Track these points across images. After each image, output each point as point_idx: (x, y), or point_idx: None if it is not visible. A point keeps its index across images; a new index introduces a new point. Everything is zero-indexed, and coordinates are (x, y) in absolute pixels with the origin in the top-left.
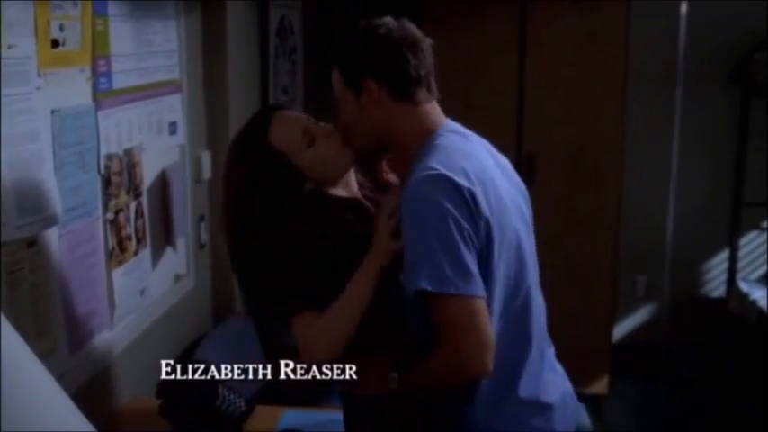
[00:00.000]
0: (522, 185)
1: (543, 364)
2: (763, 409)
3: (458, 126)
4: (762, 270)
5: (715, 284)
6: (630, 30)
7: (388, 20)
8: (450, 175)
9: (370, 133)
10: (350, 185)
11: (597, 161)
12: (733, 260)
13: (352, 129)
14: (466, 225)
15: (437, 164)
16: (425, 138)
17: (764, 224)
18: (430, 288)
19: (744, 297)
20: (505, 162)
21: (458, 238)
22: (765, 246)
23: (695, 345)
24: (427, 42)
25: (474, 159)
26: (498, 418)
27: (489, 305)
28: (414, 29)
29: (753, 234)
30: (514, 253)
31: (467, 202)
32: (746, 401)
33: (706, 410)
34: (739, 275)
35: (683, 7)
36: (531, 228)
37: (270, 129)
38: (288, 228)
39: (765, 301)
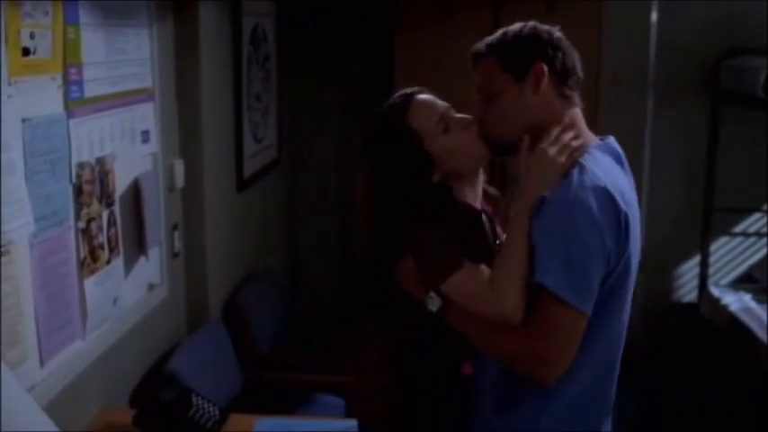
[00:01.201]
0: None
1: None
2: (733, 412)
3: (613, 143)
4: (733, 275)
5: (687, 290)
6: (602, 37)
7: (538, 24)
8: (614, 193)
9: (522, 122)
10: (476, 189)
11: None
12: (704, 265)
13: (503, 117)
14: (610, 245)
15: (601, 176)
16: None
17: (735, 230)
18: (552, 288)
19: (715, 302)
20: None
21: (598, 254)
22: (736, 251)
23: (667, 349)
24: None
25: (624, 184)
26: None
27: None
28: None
29: (723, 240)
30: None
31: (620, 225)
32: (717, 405)
33: (678, 415)
34: (711, 281)
35: (654, 15)
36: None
37: (408, 111)
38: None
39: (736, 306)
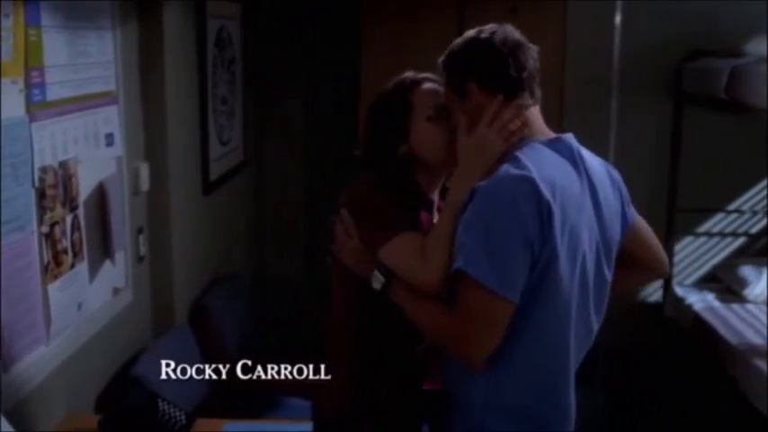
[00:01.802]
0: (613, 222)
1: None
2: (698, 412)
3: (570, 139)
4: (696, 275)
5: (652, 290)
6: (567, 40)
7: (492, 26)
8: (539, 183)
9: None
10: (433, 185)
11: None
12: (669, 265)
13: (454, 126)
14: (533, 233)
15: (532, 167)
16: (522, 141)
17: (699, 230)
18: (473, 275)
19: (679, 301)
20: (607, 181)
21: (520, 242)
22: (700, 251)
23: (633, 349)
24: (531, 48)
25: (566, 181)
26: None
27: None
28: (516, 33)
29: (687, 240)
30: (577, 285)
31: (542, 214)
32: (683, 405)
33: (643, 415)
34: (675, 280)
35: (618, 17)
36: (611, 253)
37: (418, 86)
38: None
39: (700, 306)
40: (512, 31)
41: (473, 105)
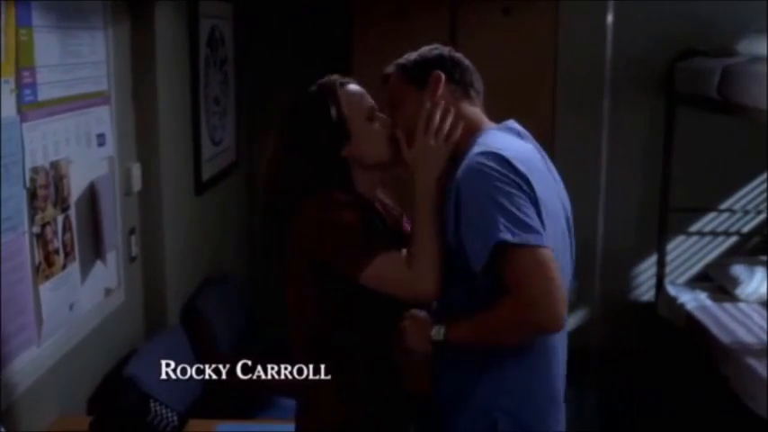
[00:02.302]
0: (565, 194)
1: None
2: (690, 411)
3: (513, 124)
4: (689, 274)
5: (644, 289)
6: (559, 40)
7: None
8: (508, 156)
9: None
10: (371, 186)
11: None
12: (661, 265)
13: (408, 122)
14: (525, 189)
15: (495, 146)
16: (477, 131)
17: (691, 229)
18: (510, 238)
19: (672, 301)
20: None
21: (521, 195)
22: (692, 250)
23: (625, 348)
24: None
25: (528, 153)
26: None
27: None
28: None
29: (680, 239)
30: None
31: (521, 180)
32: (675, 404)
33: (636, 414)
34: (667, 280)
35: (610, 17)
36: (569, 243)
37: (341, 90)
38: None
39: (692, 305)
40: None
41: (434, 92)
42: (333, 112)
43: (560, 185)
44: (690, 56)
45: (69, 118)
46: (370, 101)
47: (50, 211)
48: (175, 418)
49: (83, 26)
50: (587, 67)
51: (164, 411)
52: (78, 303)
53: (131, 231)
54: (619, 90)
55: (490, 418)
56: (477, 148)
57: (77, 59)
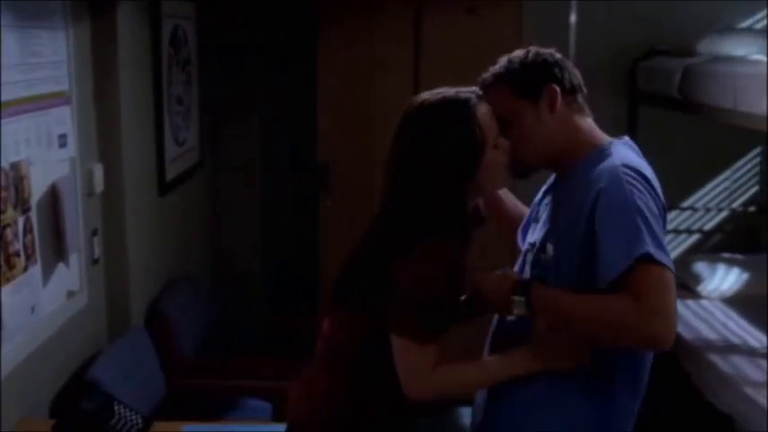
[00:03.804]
0: None
1: None
2: (654, 407)
3: (630, 141)
4: None
5: None
6: (522, 39)
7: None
8: (649, 176)
9: (545, 143)
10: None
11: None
12: None
13: (524, 140)
14: (661, 213)
15: (636, 164)
16: (597, 146)
17: None
18: (654, 252)
19: None
20: None
21: (659, 217)
22: None
23: None
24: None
25: (654, 176)
26: None
27: None
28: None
29: None
30: None
31: (659, 204)
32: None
33: None
34: None
35: (573, 17)
36: None
37: (478, 110)
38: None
39: None
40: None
41: (551, 107)
42: (478, 134)
43: None
44: (652, 56)
45: (30, 118)
46: (496, 125)
47: (10, 212)
48: (140, 420)
49: (43, 26)
50: None
51: (128, 414)
52: (40, 306)
53: (94, 233)
54: None
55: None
56: (614, 160)
57: (38, 59)
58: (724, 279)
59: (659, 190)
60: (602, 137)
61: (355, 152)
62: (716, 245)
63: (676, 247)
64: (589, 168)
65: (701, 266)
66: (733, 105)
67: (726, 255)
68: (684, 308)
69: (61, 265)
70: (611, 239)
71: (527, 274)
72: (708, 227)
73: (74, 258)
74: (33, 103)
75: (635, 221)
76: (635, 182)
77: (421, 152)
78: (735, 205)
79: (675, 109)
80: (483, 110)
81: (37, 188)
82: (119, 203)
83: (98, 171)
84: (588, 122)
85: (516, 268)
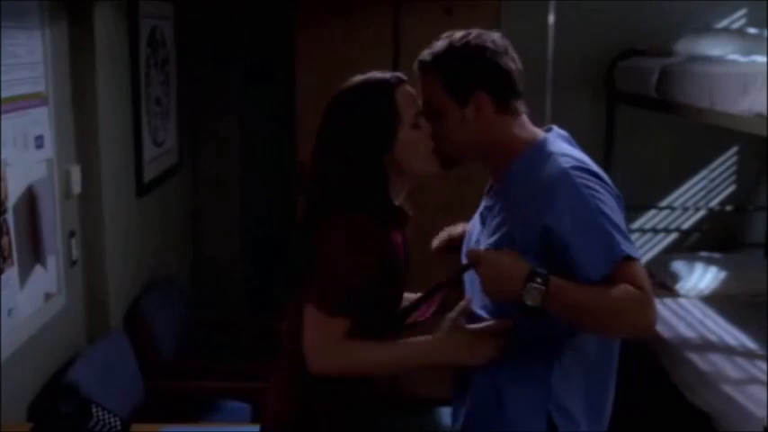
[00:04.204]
0: None
1: None
2: (630, 403)
3: (559, 129)
4: None
5: None
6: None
7: (483, 31)
8: (597, 170)
9: (467, 143)
10: (401, 197)
11: (471, 171)
12: None
13: (448, 137)
14: (617, 203)
15: (578, 160)
16: (532, 143)
17: (632, 226)
18: (631, 253)
19: None
20: None
21: (618, 209)
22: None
23: None
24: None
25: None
26: None
27: None
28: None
29: None
30: None
31: (614, 194)
32: (617, 398)
33: None
34: None
35: (551, 17)
36: None
37: (398, 90)
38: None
39: None
40: (501, 38)
41: (477, 114)
42: (389, 111)
43: None
44: (629, 56)
45: (6, 120)
46: (418, 105)
47: None
48: (118, 423)
49: (19, 26)
50: (529, 66)
51: (106, 417)
52: (17, 308)
53: (71, 234)
54: (560, 89)
55: (544, 412)
56: (560, 163)
57: (14, 60)
58: (702, 278)
59: (608, 179)
60: (535, 132)
61: None
62: (693, 244)
63: (654, 247)
64: (530, 171)
65: (678, 265)
66: (710, 105)
67: (703, 254)
68: (663, 306)
69: (38, 268)
70: (585, 249)
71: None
72: (685, 226)
73: (51, 260)
74: (9, 105)
75: (604, 227)
76: (589, 182)
77: (334, 129)
78: (712, 204)
79: (653, 108)
80: (404, 90)
81: (13, 190)
82: (96, 205)
83: (75, 172)
84: (520, 121)
85: (467, 278)
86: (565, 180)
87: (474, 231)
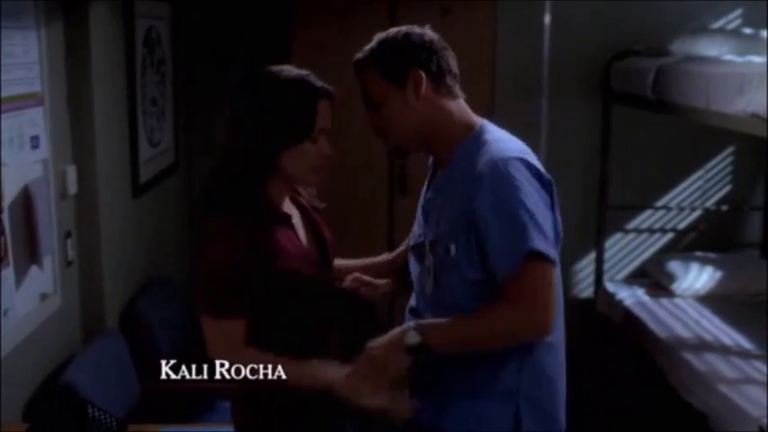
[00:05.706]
0: None
1: None
2: (627, 404)
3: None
4: (626, 270)
5: (584, 286)
6: (497, 41)
7: (416, 27)
8: (534, 162)
9: (412, 128)
10: (283, 200)
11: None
12: (600, 262)
13: (393, 126)
14: (546, 198)
15: (516, 150)
16: (472, 129)
17: (628, 226)
18: (542, 250)
19: (610, 297)
20: None
21: (547, 209)
22: (629, 247)
23: (565, 345)
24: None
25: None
26: None
27: None
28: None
29: (617, 236)
30: None
31: (546, 188)
32: (613, 398)
33: (575, 409)
34: (606, 276)
35: (548, 17)
36: None
37: (324, 98)
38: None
39: (630, 301)
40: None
41: (416, 92)
42: (310, 118)
43: None
44: (626, 56)
45: (2, 120)
46: (329, 119)
47: None
48: (114, 423)
49: (15, 26)
50: (525, 67)
51: (102, 417)
52: (13, 309)
53: (67, 235)
54: (556, 90)
55: (512, 405)
56: (496, 151)
57: (9, 60)
58: (698, 277)
59: (541, 167)
60: (474, 118)
61: None
62: (689, 244)
63: (651, 246)
64: (470, 157)
65: (674, 265)
66: (705, 105)
67: (699, 253)
68: (658, 306)
69: (34, 268)
70: (499, 237)
71: (431, 277)
72: (681, 226)
73: (47, 261)
74: (5, 105)
75: (521, 219)
76: (518, 174)
77: (253, 110)
78: (708, 204)
79: (649, 109)
80: (326, 105)
81: (9, 190)
82: (92, 205)
83: (71, 173)
84: (459, 104)
85: (412, 270)
86: (495, 168)
87: (418, 226)
